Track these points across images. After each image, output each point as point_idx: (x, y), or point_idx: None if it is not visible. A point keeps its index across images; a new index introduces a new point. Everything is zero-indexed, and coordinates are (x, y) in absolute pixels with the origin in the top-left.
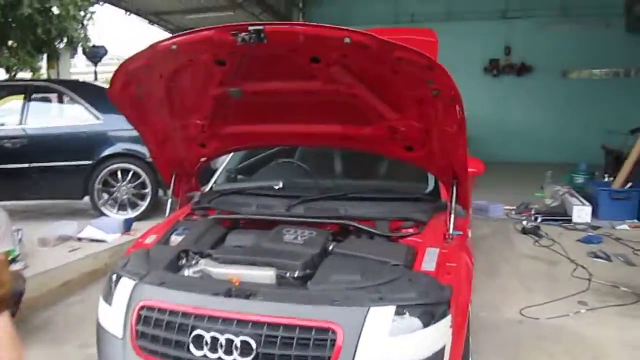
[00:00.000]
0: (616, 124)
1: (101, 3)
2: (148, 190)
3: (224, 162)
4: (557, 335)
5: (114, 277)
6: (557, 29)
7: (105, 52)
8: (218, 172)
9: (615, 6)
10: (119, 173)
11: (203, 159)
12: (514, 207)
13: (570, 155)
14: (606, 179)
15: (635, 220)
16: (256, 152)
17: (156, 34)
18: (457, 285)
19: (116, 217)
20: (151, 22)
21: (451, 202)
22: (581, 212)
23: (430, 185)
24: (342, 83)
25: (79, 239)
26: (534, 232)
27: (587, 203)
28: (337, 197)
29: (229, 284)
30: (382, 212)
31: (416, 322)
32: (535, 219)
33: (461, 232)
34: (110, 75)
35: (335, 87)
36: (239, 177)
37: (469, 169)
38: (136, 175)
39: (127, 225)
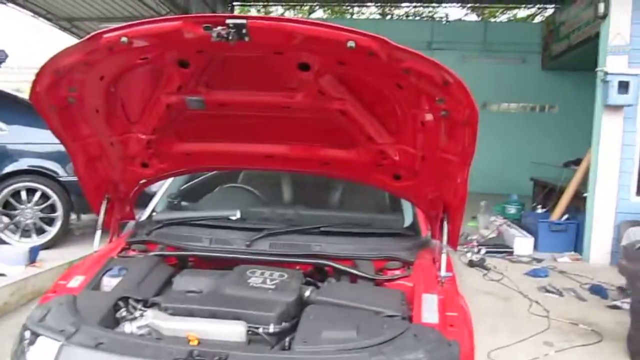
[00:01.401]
0: (535, 156)
1: (5, 2)
2: (59, 213)
3: (162, 185)
4: None
5: (28, 334)
6: (479, 62)
7: (6, 57)
8: (157, 197)
9: (533, 44)
10: (22, 193)
11: (143, 182)
12: None
13: (500, 186)
14: (540, 210)
15: (573, 252)
16: (197, 175)
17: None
18: (462, 339)
19: (19, 245)
20: (63, 28)
21: (442, 239)
22: (523, 244)
23: (408, 219)
24: (331, 97)
25: None
26: (480, 265)
27: (528, 235)
28: (306, 230)
29: (187, 344)
30: (362, 250)
31: None
32: (479, 250)
33: (451, 274)
34: (6, 85)
35: (322, 101)
36: (183, 203)
37: None
38: (44, 197)
39: (33, 256)
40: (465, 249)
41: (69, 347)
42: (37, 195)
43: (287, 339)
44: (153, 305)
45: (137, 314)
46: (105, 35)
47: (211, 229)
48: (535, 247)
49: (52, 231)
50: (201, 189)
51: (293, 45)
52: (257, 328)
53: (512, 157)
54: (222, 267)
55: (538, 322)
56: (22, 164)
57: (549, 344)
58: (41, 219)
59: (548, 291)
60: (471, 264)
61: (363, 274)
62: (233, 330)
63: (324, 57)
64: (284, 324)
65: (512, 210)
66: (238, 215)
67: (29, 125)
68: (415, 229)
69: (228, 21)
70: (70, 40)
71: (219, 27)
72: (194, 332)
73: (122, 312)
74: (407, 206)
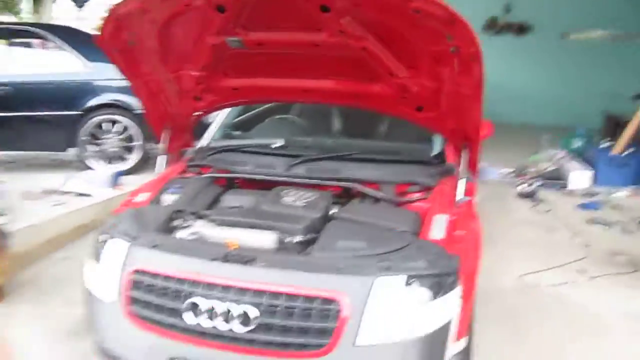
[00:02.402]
0: (616, 88)
1: None
2: (137, 143)
3: (218, 117)
4: (557, 306)
5: (103, 237)
6: None
7: None
8: (213, 128)
9: None
10: (105, 124)
11: (198, 113)
12: (510, 170)
13: (569, 119)
14: (605, 145)
15: (634, 187)
16: (253, 107)
17: None
18: (466, 254)
19: (104, 170)
20: None
21: (461, 166)
22: (580, 177)
23: (437, 148)
24: (352, 35)
25: (64, 193)
26: (531, 196)
27: (587, 168)
28: (340, 157)
29: (226, 248)
30: (387, 175)
31: (426, 293)
32: (532, 183)
33: (469, 198)
34: (97, 22)
35: (345, 40)
36: (235, 133)
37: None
38: (124, 128)
39: (116, 180)
40: (519, 181)
41: (133, 247)
42: (118, 126)
43: (312, 248)
44: (202, 217)
45: (188, 223)
46: None
47: (256, 155)
48: (594, 181)
49: (132, 158)
50: (253, 120)
51: None
52: (286, 238)
53: (592, 90)
54: (262, 188)
55: (577, 251)
56: (104, 98)
57: (582, 272)
58: (122, 147)
59: (596, 224)
60: (521, 195)
61: (382, 196)
62: (265, 239)
63: (341, 0)
64: (308, 235)
65: (578, 143)
66: (280, 143)
67: (109, 62)
68: (441, 158)
69: None
70: None
71: None
72: (233, 239)
73: (177, 222)
74: (437, 137)
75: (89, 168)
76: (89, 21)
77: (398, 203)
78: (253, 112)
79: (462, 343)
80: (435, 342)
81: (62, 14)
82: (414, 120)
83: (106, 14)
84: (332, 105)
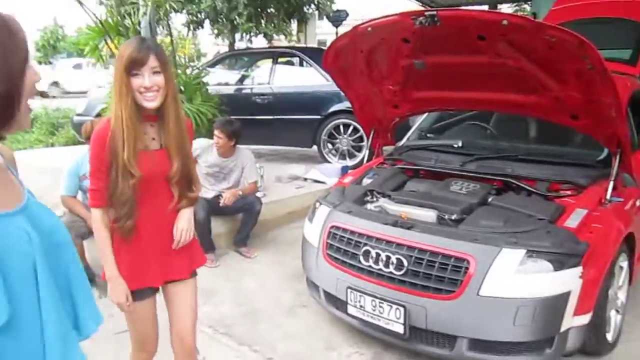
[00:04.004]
0: None
1: None
2: (364, 143)
3: (418, 122)
4: None
5: (317, 204)
6: None
7: (347, 16)
8: (412, 130)
9: None
10: (341, 127)
11: (396, 119)
12: None
13: None
14: None
15: None
16: (450, 115)
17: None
18: (597, 244)
19: (336, 164)
20: None
21: (612, 169)
22: None
23: (604, 153)
24: (507, 57)
25: (305, 179)
26: None
27: None
28: (508, 157)
29: (398, 217)
30: (545, 174)
31: (545, 265)
32: None
33: (622, 200)
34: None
35: (502, 61)
36: (429, 135)
37: None
38: (355, 130)
39: (344, 172)
40: None
41: (334, 211)
42: (350, 128)
43: (461, 224)
44: (386, 196)
45: (376, 199)
46: (359, 27)
47: (439, 153)
48: None
49: (360, 156)
50: (445, 125)
51: (467, 24)
52: (445, 215)
53: None
54: (440, 179)
55: None
56: (342, 105)
57: None
58: (352, 146)
59: None
60: None
61: (533, 190)
62: (428, 214)
63: (492, 31)
64: (463, 215)
65: None
66: (459, 144)
67: None
68: (605, 163)
69: (426, 13)
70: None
71: (421, 17)
72: (405, 212)
73: (368, 198)
74: None
75: (327, 161)
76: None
77: (546, 197)
78: (450, 119)
79: (583, 319)
80: (549, 307)
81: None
82: (572, 126)
83: (328, 47)
84: (506, 115)
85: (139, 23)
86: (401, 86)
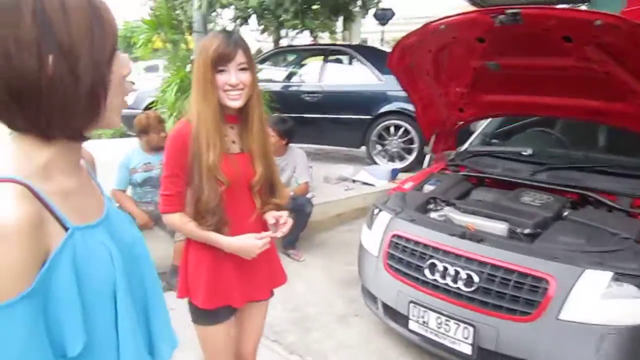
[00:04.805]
0: None
1: None
2: (415, 145)
3: (480, 126)
4: None
5: (376, 210)
6: None
7: (393, 14)
8: (475, 135)
9: None
10: (391, 128)
11: (460, 123)
12: None
13: None
14: None
15: None
16: (514, 120)
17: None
18: None
19: (385, 166)
20: None
21: None
22: None
23: None
24: (595, 61)
25: (353, 181)
26: None
27: None
28: (582, 168)
29: (465, 229)
30: (627, 188)
31: (632, 290)
32: None
33: None
34: (397, 35)
35: (588, 64)
36: (494, 141)
37: None
38: (406, 132)
39: (394, 175)
40: None
41: (395, 218)
42: (401, 130)
43: (537, 240)
44: (451, 204)
45: (439, 207)
46: (431, 25)
47: (506, 160)
48: None
49: (410, 158)
50: (510, 130)
51: (554, 24)
52: (517, 229)
53: None
54: (507, 189)
55: None
56: (393, 106)
57: None
58: (402, 148)
59: None
60: None
61: (616, 206)
62: (498, 227)
63: (582, 32)
64: (537, 229)
65: None
66: (529, 152)
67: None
68: None
69: (507, 11)
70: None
71: (501, 16)
72: (472, 223)
73: (431, 206)
74: None
75: (375, 163)
76: (392, 34)
77: (631, 214)
78: (514, 124)
79: None
80: (637, 336)
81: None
82: None
83: (395, 45)
84: (578, 121)
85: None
86: (469, 88)
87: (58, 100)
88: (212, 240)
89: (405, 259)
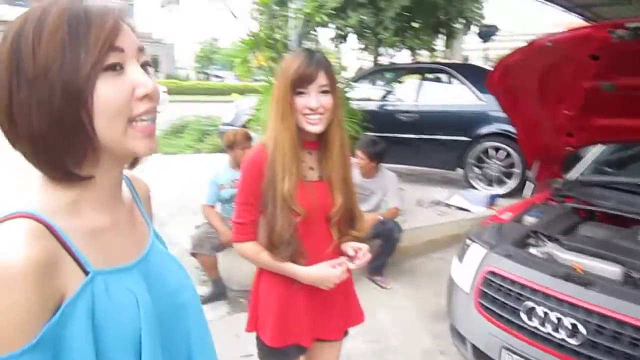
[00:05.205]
0: None
1: None
2: (516, 170)
3: (590, 153)
4: None
5: (469, 241)
6: None
7: (496, 30)
8: (583, 162)
9: None
10: (490, 150)
11: (568, 148)
12: None
13: None
14: None
15: None
16: (630, 147)
17: (551, 15)
18: None
19: (483, 191)
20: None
21: None
22: None
23: None
24: None
25: (448, 205)
26: None
27: None
28: None
29: (570, 269)
30: None
31: None
32: None
33: None
34: (502, 53)
35: None
36: (607, 169)
37: None
38: (507, 155)
39: (492, 200)
40: None
41: (490, 253)
42: (501, 153)
43: None
44: (554, 240)
45: (541, 243)
46: (537, 42)
47: (622, 192)
48: None
49: (509, 183)
50: (626, 158)
51: None
52: (633, 273)
53: None
54: (622, 225)
55: None
56: (494, 127)
57: None
58: (503, 172)
59: None
60: None
61: None
62: (611, 270)
63: None
64: None
65: None
66: None
67: None
68: None
69: (627, 25)
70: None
71: (620, 30)
72: (580, 264)
73: (530, 240)
74: None
75: (472, 187)
76: (496, 51)
77: None
78: (631, 150)
79: None
80: None
81: (472, 44)
82: None
83: (496, 63)
84: None
85: (286, 37)
86: (580, 111)
87: (34, 133)
88: (287, 271)
89: (500, 300)
